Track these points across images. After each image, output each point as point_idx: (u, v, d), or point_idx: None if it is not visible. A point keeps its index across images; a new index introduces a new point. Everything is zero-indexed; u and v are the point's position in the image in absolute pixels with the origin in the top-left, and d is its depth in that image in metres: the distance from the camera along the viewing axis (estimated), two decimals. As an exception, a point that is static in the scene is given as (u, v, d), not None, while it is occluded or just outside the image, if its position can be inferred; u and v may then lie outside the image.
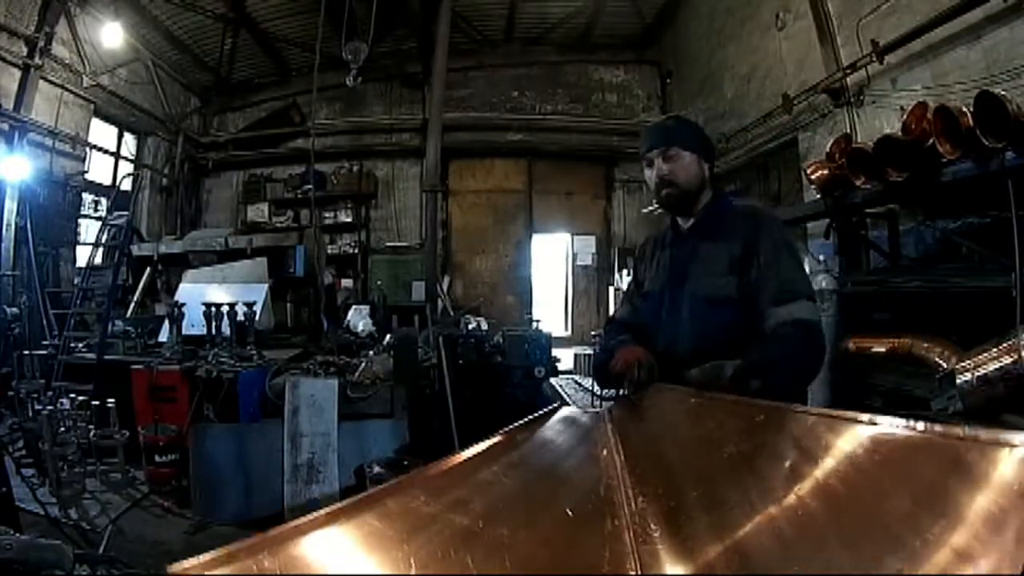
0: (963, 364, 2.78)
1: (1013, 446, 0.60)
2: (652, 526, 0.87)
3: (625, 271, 9.03)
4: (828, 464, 0.81)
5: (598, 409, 1.58)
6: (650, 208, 9.09)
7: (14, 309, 5.95)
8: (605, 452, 1.21)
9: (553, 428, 1.35)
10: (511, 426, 1.31)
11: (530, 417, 1.39)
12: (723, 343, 1.53)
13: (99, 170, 8.21)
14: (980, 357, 2.71)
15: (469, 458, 1.04)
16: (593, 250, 10.09)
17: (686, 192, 1.72)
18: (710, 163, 1.76)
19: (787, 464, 0.87)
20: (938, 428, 0.72)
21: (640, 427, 1.35)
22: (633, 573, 0.76)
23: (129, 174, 8.02)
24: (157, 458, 4.40)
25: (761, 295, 1.57)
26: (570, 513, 0.94)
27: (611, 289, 9.29)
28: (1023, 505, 0.53)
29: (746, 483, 0.89)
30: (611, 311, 9.20)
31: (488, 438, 1.17)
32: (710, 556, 0.75)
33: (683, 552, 0.79)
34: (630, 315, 1.93)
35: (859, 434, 0.83)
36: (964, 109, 2.97)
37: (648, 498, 0.97)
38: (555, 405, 1.58)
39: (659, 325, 1.75)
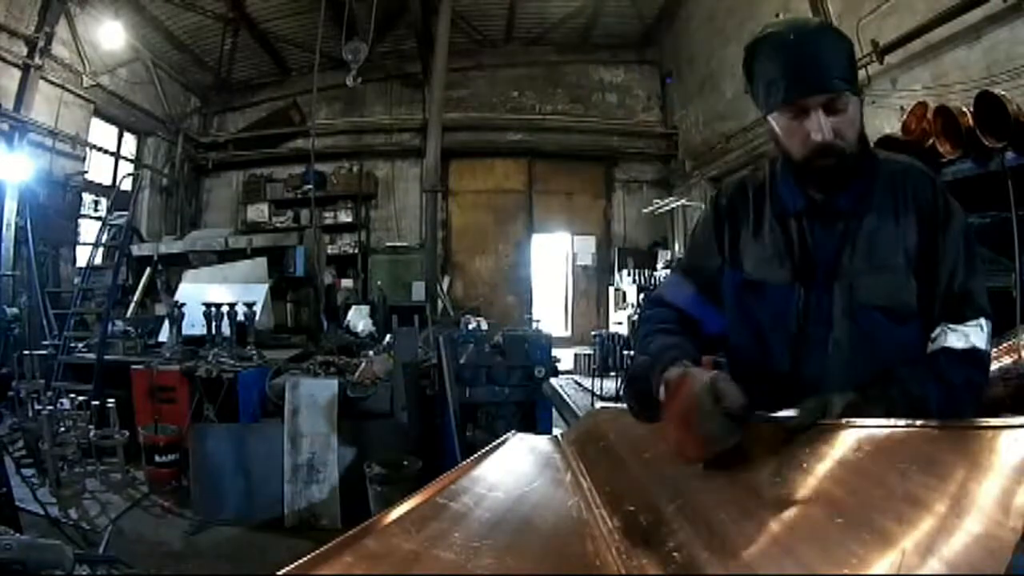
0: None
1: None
2: (633, 541, 0.88)
3: (625, 271, 8.88)
4: (807, 464, 0.82)
5: (549, 436, 1.53)
6: (650, 208, 9.02)
7: (14, 309, 5.95)
8: (570, 476, 1.21)
9: (513, 457, 1.36)
10: (470, 458, 1.30)
11: (486, 448, 1.38)
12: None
13: (99, 170, 8.21)
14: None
15: (437, 492, 1.04)
16: (593, 250, 10.08)
17: (850, 158, 1.11)
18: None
19: (765, 468, 0.87)
20: (917, 422, 0.73)
21: (599, 448, 1.35)
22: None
23: (129, 174, 8.01)
24: (157, 458, 4.41)
25: (936, 302, 1.10)
26: (550, 536, 0.95)
27: (611, 289, 9.27)
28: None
29: (722, 490, 0.88)
30: (611, 311, 9.15)
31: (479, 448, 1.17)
32: (701, 562, 0.75)
33: (671, 562, 0.79)
34: (693, 301, 1.27)
35: (837, 434, 0.84)
36: (964, 109, 2.97)
37: (622, 516, 0.97)
38: (508, 435, 1.53)
39: (782, 340, 1.16)
